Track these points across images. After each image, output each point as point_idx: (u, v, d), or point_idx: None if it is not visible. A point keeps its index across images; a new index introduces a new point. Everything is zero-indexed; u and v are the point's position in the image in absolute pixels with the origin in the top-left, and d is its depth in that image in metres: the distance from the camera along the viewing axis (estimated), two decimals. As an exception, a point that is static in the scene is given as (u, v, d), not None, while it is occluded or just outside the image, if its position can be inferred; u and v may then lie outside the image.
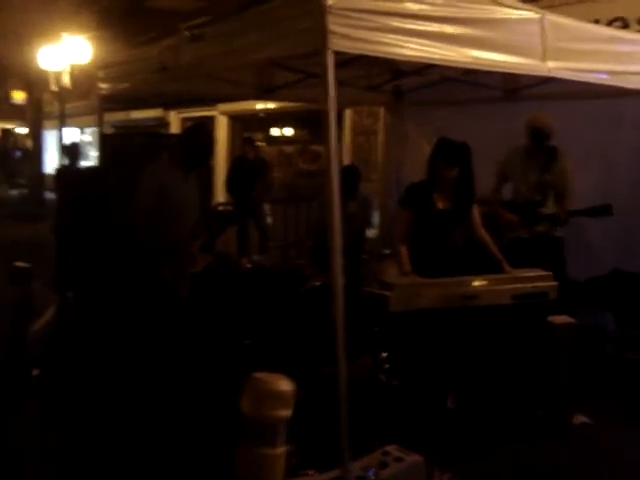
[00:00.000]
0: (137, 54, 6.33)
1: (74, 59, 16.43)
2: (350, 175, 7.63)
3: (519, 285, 5.40)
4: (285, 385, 3.67)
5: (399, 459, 4.30)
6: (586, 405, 5.58)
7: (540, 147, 6.59)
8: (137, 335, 6.00)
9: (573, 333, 5.37)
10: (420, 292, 5.08)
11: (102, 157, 8.26)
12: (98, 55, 7.62)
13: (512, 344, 5.33)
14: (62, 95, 17.46)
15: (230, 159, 15.98)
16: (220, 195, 14.51)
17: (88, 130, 28.24)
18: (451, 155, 5.63)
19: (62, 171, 9.50)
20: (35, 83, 23.40)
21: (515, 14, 4.76)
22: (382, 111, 9.50)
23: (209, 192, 11.93)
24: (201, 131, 6.36)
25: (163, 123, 20.54)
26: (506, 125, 7.18)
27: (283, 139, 17.23)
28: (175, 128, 19.64)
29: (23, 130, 34.42)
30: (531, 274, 5.53)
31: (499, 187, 6.94)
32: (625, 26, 7.74)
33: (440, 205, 5.76)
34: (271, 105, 14.91)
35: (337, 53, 3.86)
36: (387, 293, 5.00)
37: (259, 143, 16.22)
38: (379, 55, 4.16)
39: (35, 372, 6.33)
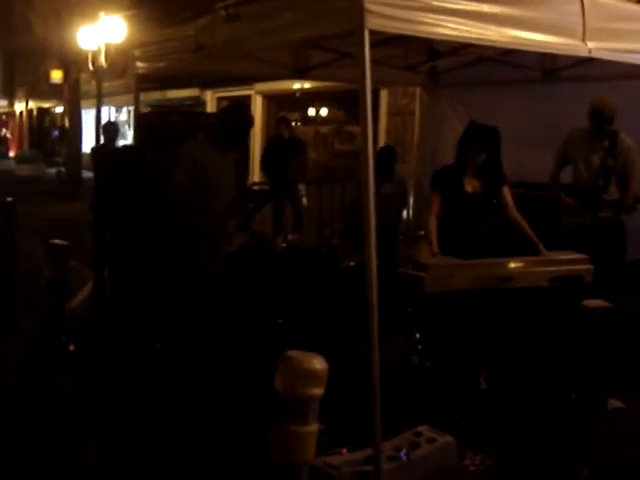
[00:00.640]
0: (172, 33, 6.33)
1: (110, 38, 16.51)
2: (387, 156, 7.62)
3: (555, 268, 5.36)
4: (318, 364, 3.68)
5: (431, 440, 4.32)
6: (621, 390, 5.53)
7: (602, 130, 6.47)
8: (172, 313, 6.05)
9: (609, 317, 5.32)
10: (455, 273, 5.06)
11: (138, 136, 8.31)
12: (134, 34, 7.66)
13: (547, 327, 5.31)
14: (99, 74, 17.54)
15: (266, 139, 15.98)
16: (256, 174, 14.54)
17: (124, 109, 28.44)
18: (481, 139, 5.67)
19: (99, 150, 9.58)
20: (73, 62, 23.56)
21: (555, -7, 4.70)
22: (418, 91, 9.44)
23: (246, 171, 11.93)
24: (239, 110, 6.36)
25: (199, 102, 20.60)
26: (544, 106, 7.10)
27: (319, 119, 17.21)
28: (211, 107, 19.70)
29: (61, 109, 34.75)
30: (567, 257, 5.49)
31: (559, 170, 6.82)
32: (668, 4, 7.58)
33: (469, 188, 5.77)
34: (307, 85, 14.88)
35: (373, 32, 3.84)
36: (422, 274, 4.99)
37: (294, 123, 16.24)
38: (416, 35, 4.13)
39: (71, 347, 6.42)
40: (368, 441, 3.99)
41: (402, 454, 4.15)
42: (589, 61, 5.19)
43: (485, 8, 4.29)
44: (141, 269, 6.85)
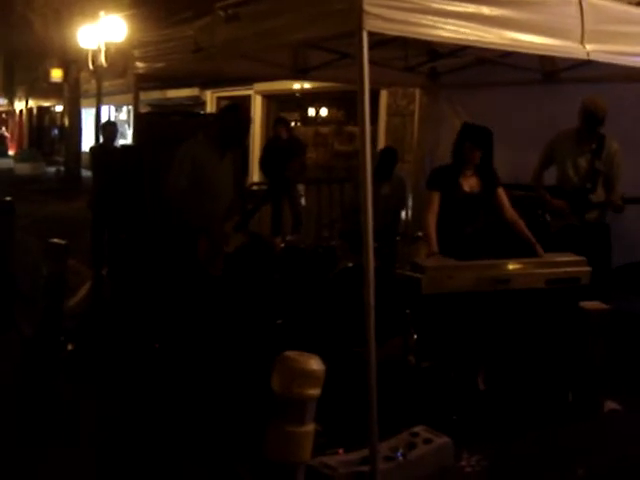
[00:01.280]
0: (172, 34, 6.35)
1: (110, 37, 16.54)
2: (388, 157, 7.65)
3: (552, 270, 5.37)
4: (315, 364, 3.69)
5: (427, 440, 4.33)
6: (617, 391, 5.54)
7: (592, 132, 6.48)
8: (171, 313, 6.06)
9: (606, 319, 5.33)
10: (452, 275, 5.08)
11: (137, 135, 8.32)
12: (133, 34, 7.67)
13: (544, 328, 5.32)
14: (99, 73, 17.58)
15: (265, 139, 15.98)
16: (255, 175, 14.54)
17: (124, 108, 28.46)
18: (478, 137, 5.72)
19: (98, 149, 9.60)
20: (73, 61, 23.59)
21: (553, -5, 4.72)
22: (417, 92, 9.46)
23: (245, 172, 11.93)
24: (238, 111, 6.37)
25: (199, 102, 20.60)
26: (543, 108, 7.11)
27: (319, 119, 17.20)
28: (211, 107, 19.71)
29: (60, 108, 34.76)
30: (564, 259, 5.50)
31: (542, 171, 6.84)
32: (667, 7, 7.60)
33: (467, 187, 5.82)
34: (307, 85, 14.89)
35: (372, 34, 3.86)
36: (419, 275, 5.00)
37: (294, 123, 16.23)
38: (414, 36, 4.15)
39: (69, 347, 6.43)
40: (365, 441, 3.99)
41: (398, 454, 4.16)
42: (588, 63, 5.19)
43: (484, 10, 4.31)
44: (140, 268, 6.86)
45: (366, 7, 3.78)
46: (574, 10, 4.78)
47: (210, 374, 5.53)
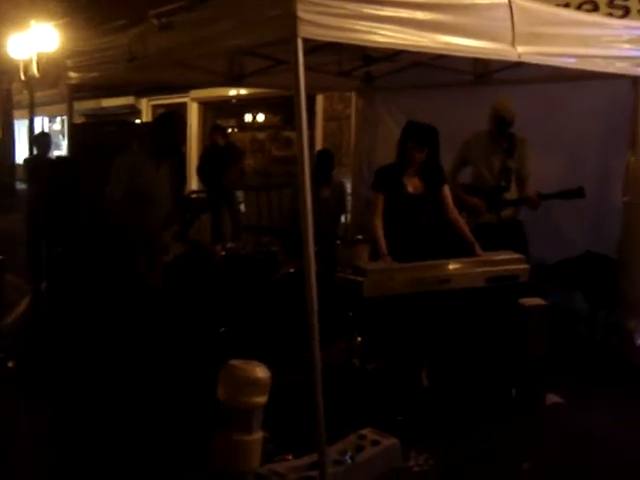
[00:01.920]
0: (106, 43, 6.28)
1: (42, 47, 16.28)
2: (324, 160, 7.67)
3: (492, 268, 5.44)
4: (260, 372, 3.70)
5: (375, 442, 4.37)
6: (559, 385, 5.65)
7: (502, 133, 6.63)
8: (111, 325, 6.00)
9: (544, 314, 5.43)
10: (393, 277, 5.10)
11: (71, 146, 8.22)
12: (66, 43, 7.57)
13: (485, 326, 5.39)
14: (31, 84, 17.29)
15: (202, 146, 15.91)
16: (194, 183, 14.46)
17: (58, 119, 28.02)
18: (421, 136, 5.70)
19: (31, 161, 9.44)
20: (3, 72, 23.14)
21: (484, -1, 4.81)
22: (353, 96, 9.52)
23: (182, 180, 11.86)
24: (172, 119, 6.33)
25: (134, 111, 20.41)
26: (477, 109, 7.21)
27: (256, 125, 17.19)
28: (146, 115, 19.54)
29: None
30: (503, 257, 5.58)
31: (457, 171, 6.95)
32: (595, 9, 7.78)
33: (410, 188, 5.81)
34: (243, 91, 14.87)
35: (307, 40, 3.88)
36: (360, 279, 5.01)
37: (231, 130, 16.19)
38: (349, 42, 4.18)
39: (10, 364, 6.32)
40: (313, 446, 4.01)
41: (347, 458, 4.18)
42: (519, 64, 5.30)
43: (417, 15, 4.37)
44: (78, 281, 6.77)
45: (300, 14, 3.80)
46: (505, 13, 4.88)
47: (154, 385, 5.48)
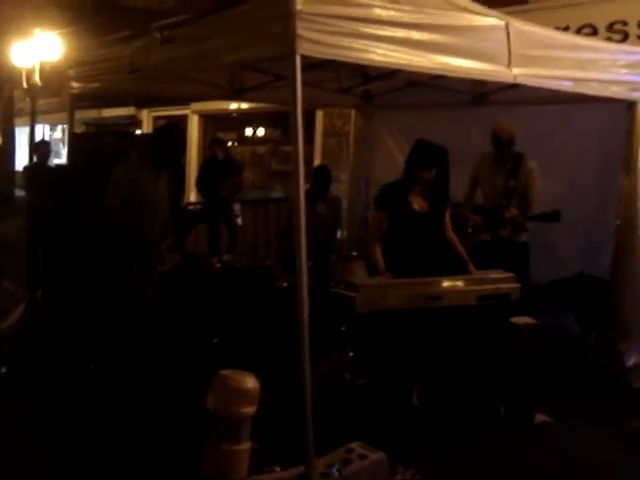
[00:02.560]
0: (108, 54, 6.34)
1: (45, 56, 16.31)
2: (321, 176, 7.70)
3: (483, 286, 5.47)
4: (250, 382, 3.74)
5: (363, 456, 4.37)
6: (548, 404, 5.67)
7: (502, 153, 6.69)
8: (106, 334, 6.02)
9: (535, 334, 5.46)
10: (386, 293, 5.13)
11: (71, 155, 8.26)
12: (69, 52, 7.63)
13: (476, 344, 5.42)
14: (33, 92, 17.35)
15: (202, 158, 15.96)
16: (192, 195, 14.51)
17: (59, 127, 28.07)
18: (430, 157, 5.64)
19: (31, 168, 9.48)
20: (6, 80, 23.20)
21: (481, 21, 4.88)
22: (353, 113, 9.58)
23: (181, 191, 11.91)
24: (172, 131, 6.38)
25: (135, 121, 20.47)
26: (474, 129, 7.29)
27: (256, 139, 17.24)
28: (147, 127, 19.59)
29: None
30: (495, 276, 5.60)
31: (471, 193, 7.05)
32: (594, 33, 7.86)
33: (416, 206, 5.77)
34: (244, 105, 14.93)
35: (306, 57, 3.94)
36: (353, 294, 5.04)
37: (231, 143, 16.25)
38: (346, 60, 4.24)
39: (3, 369, 6.34)
40: (301, 458, 4.03)
41: (334, 471, 4.19)
42: (516, 86, 5.36)
43: (414, 35, 4.43)
44: (74, 289, 6.80)
45: (299, 31, 3.87)
46: (501, 35, 4.95)
47: (146, 394, 5.51)
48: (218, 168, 11.72)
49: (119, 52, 6.12)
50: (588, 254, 7.08)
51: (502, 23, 4.96)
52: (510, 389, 5.47)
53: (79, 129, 15.05)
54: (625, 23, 7.63)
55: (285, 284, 6.26)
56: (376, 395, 5.30)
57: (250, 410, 3.72)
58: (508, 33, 4.95)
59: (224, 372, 3.80)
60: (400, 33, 4.36)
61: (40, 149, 9.49)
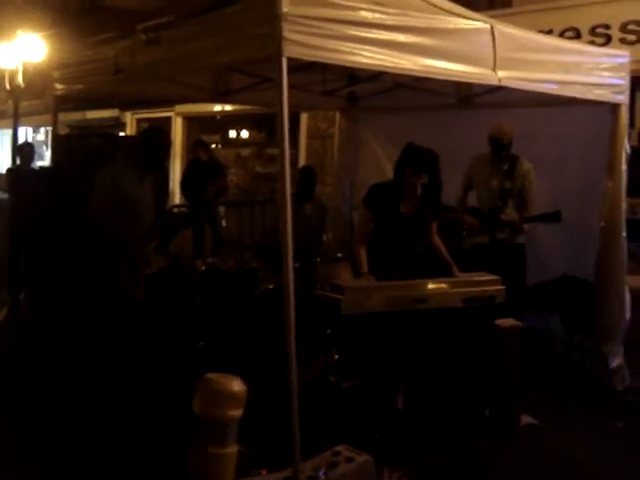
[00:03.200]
0: (92, 55, 6.30)
1: (28, 57, 16.25)
2: (306, 177, 7.70)
3: (469, 289, 5.49)
4: (236, 385, 3.73)
5: (349, 459, 4.38)
6: (533, 406, 5.69)
7: (500, 155, 6.70)
8: (91, 337, 6.00)
9: (520, 336, 5.48)
10: (371, 295, 5.14)
11: (55, 157, 8.22)
12: (53, 54, 7.60)
13: (461, 346, 5.43)
14: (16, 94, 17.27)
15: (186, 160, 15.92)
16: (177, 197, 14.46)
17: (42, 129, 27.92)
18: (420, 163, 5.59)
19: (15, 171, 9.43)
20: (-12, 81, 23.07)
21: (466, 24, 4.90)
22: (337, 116, 9.58)
23: (165, 194, 11.87)
24: (157, 134, 6.36)
25: (119, 124, 20.39)
26: (459, 132, 7.30)
27: (240, 142, 17.18)
28: (131, 129, 19.52)
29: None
30: (480, 278, 5.62)
31: (464, 195, 7.07)
32: (577, 36, 7.92)
33: (404, 209, 5.76)
34: (228, 107, 14.88)
35: (292, 59, 3.94)
36: (339, 296, 5.04)
37: (215, 145, 16.20)
38: (332, 62, 4.24)
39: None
40: (288, 461, 4.03)
41: (321, 473, 4.19)
42: (501, 88, 5.38)
43: (400, 38, 4.44)
44: (58, 292, 6.77)
45: (285, 33, 3.87)
46: (486, 38, 4.98)
47: (131, 397, 5.48)
48: (202, 170, 11.69)
49: (103, 53, 6.08)
50: (572, 256, 7.11)
51: (487, 26, 4.99)
52: (495, 391, 5.49)
53: (63, 131, 14.97)
54: (608, 26, 7.70)
55: (271, 286, 6.26)
56: (362, 398, 5.31)
57: (236, 413, 3.71)
58: (493, 36, 4.98)
59: (210, 375, 3.80)
60: (386, 36, 4.37)
61: (24, 151, 9.45)
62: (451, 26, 4.79)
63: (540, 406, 5.77)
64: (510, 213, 6.71)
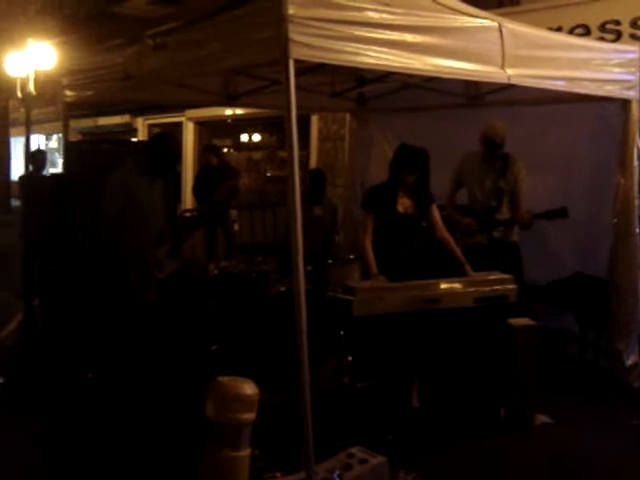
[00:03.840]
0: (101, 62, 6.34)
1: (39, 65, 16.35)
2: (316, 179, 7.71)
3: (480, 288, 5.47)
4: (249, 389, 3.72)
5: (363, 461, 4.36)
6: (548, 405, 5.66)
7: (492, 155, 6.68)
8: (105, 342, 6.01)
9: (533, 335, 5.46)
10: (383, 296, 5.13)
11: (67, 164, 8.25)
12: (63, 61, 7.63)
13: (474, 346, 5.42)
14: (28, 102, 17.37)
15: (198, 165, 15.94)
16: (189, 202, 14.49)
17: (55, 136, 28.06)
18: (413, 162, 5.71)
19: (27, 178, 9.47)
20: (1, 90, 23.20)
21: (474, 22, 4.88)
22: (347, 117, 9.59)
23: (177, 199, 11.88)
24: (168, 139, 6.39)
25: (130, 129, 20.46)
26: (469, 130, 7.27)
27: (251, 145, 17.21)
28: (142, 134, 19.58)
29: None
30: (492, 277, 5.60)
31: (454, 192, 7.02)
32: (587, 33, 7.87)
33: (401, 208, 5.83)
34: (239, 111, 14.90)
35: (299, 61, 3.94)
36: (350, 298, 5.04)
37: (226, 149, 16.22)
38: (339, 63, 4.24)
39: (1, 380, 6.33)
40: (301, 464, 4.02)
41: (335, 476, 4.18)
42: (510, 86, 5.36)
43: (407, 37, 4.43)
44: (72, 298, 6.79)
45: (292, 35, 3.87)
46: (494, 36, 4.96)
47: (145, 402, 5.49)
48: (214, 174, 11.69)
49: (112, 60, 6.12)
50: (584, 254, 7.07)
51: (495, 24, 4.97)
52: (509, 390, 5.46)
53: (74, 138, 15.05)
54: (618, 22, 7.64)
55: (283, 289, 6.26)
56: (376, 399, 5.30)
57: (249, 416, 3.71)
58: (501, 34, 4.96)
59: (222, 379, 3.79)
60: (393, 36, 4.35)
61: (36, 158, 9.48)
62: (458, 24, 4.77)
63: (554, 405, 5.73)
64: (505, 212, 6.69)
